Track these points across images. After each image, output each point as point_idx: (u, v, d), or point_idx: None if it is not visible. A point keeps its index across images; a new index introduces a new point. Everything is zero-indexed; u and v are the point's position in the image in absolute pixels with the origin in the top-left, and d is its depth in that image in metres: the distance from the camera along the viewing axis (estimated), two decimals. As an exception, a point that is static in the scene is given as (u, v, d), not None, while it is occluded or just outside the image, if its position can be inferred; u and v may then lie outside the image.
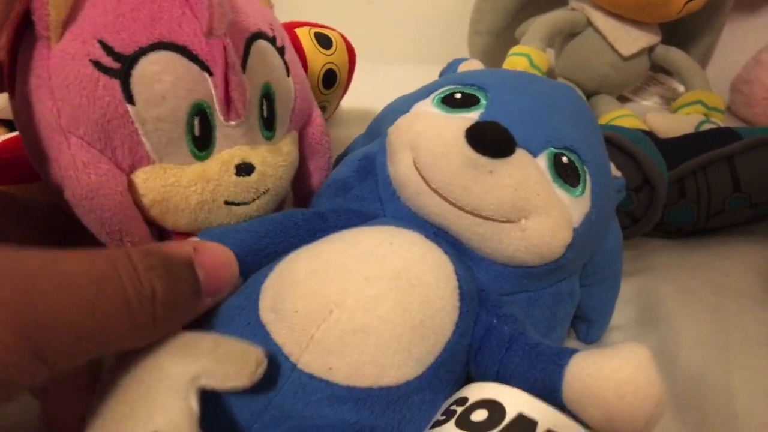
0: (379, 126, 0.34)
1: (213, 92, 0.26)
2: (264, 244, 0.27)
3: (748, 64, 0.73)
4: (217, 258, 0.23)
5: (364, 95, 0.61)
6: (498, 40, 0.81)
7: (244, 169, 0.28)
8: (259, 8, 0.30)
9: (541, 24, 0.69)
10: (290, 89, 0.31)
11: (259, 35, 0.28)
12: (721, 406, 0.31)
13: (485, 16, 0.80)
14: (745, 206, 0.44)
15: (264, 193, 0.30)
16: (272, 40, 0.30)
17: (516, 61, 0.65)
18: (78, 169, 0.24)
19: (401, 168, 0.28)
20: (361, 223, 0.28)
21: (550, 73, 0.73)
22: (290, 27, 0.44)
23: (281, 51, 0.30)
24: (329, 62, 0.45)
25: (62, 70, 0.24)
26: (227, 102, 0.27)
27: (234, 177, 0.28)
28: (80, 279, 0.17)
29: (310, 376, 0.22)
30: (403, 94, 0.36)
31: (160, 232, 0.29)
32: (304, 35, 0.43)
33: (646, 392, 0.20)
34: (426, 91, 0.32)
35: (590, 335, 0.36)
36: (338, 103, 0.53)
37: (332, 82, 0.46)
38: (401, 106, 0.32)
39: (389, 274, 0.24)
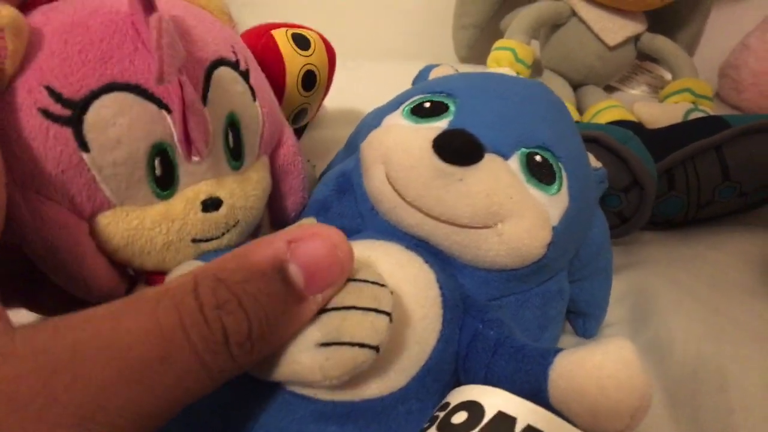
0: (356, 140, 0.34)
1: (173, 130, 0.25)
2: None
3: (736, 49, 0.73)
4: (319, 249, 0.19)
5: (349, 94, 0.60)
6: (483, 33, 0.81)
7: (212, 205, 0.27)
8: (220, 30, 0.29)
9: (525, 16, 0.69)
10: (257, 115, 0.30)
11: (219, 62, 0.27)
12: (716, 400, 0.31)
13: (469, 9, 0.80)
14: (734, 195, 0.44)
15: (234, 225, 0.29)
16: (235, 65, 0.28)
17: (501, 55, 0.64)
18: (37, 225, 0.23)
19: (375, 183, 0.28)
20: None
21: (535, 66, 0.73)
22: (266, 29, 0.43)
23: (245, 75, 0.29)
24: (308, 63, 0.44)
25: (9, 122, 0.22)
26: (187, 141, 0.25)
27: (201, 214, 0.27)
28: (140, 346, 0.15)
29: (293, 394, 0.22)
30: (383, 101, 0.35)
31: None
32: (281, 37, 0.42)
33: (628, 386, 0.20)
34: (396, 103, 0.32)
35: (587, 329, 0.36)
36: (320, 105, 0.52)
37: (312, 83, 0.45)
38: (373, 121, 0.33)
39: None
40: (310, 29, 0.47)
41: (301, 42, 0.44)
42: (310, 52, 0.44)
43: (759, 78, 0.69)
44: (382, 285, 0.20)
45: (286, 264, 0.18)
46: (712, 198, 0.44)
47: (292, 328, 0.19)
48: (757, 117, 0.44)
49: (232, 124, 0.28)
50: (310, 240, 0.19)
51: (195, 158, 0.26)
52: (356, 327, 0.19)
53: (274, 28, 0.43)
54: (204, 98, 0.26)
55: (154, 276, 0.28)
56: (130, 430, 0.15)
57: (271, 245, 0.18)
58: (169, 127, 0.25)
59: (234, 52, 0.28)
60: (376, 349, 0.19)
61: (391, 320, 0.20)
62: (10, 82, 0.22)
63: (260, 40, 0.41)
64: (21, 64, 0.22)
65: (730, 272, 0.42)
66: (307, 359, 0.19)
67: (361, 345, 0.19)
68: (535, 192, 0.27)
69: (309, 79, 0.44)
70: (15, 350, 0.14)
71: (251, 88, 0.29)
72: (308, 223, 0.24)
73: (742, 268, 0.43)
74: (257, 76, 0.31)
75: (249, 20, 0.44)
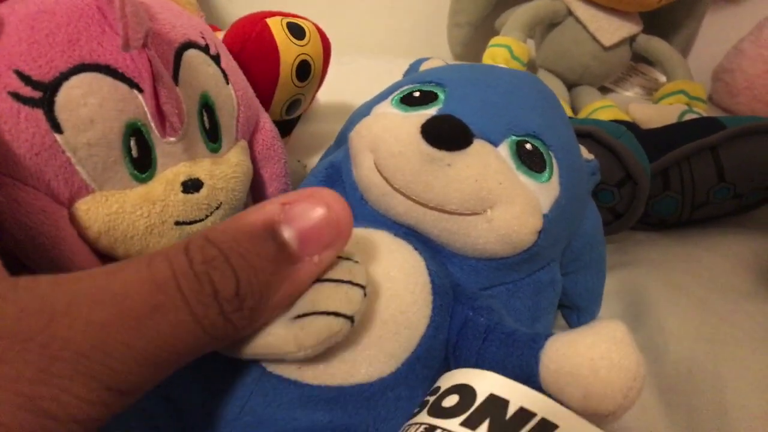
0: (346, 133, 0.34)
1: (146, 109, 0.25)
2: None
3: (730, 54, 0.73)
4: (313, 210, 0.19)
5: (343, 89, 0.60)
6: (477, 32, 0.81)
7: (192, 186, 0.27)
8: (188, 18, 0.29)
9: (521, 14, 0.69)
10: (231, 97, 0.30)
11: (189, 45, 0.28)
12: (711, 400, 0.31)
13: (464, 7, 0.79)
14: (729, 197, 0.44)
15: (217, 207, 0.29)
16: (205, 49, 0.29)
17: (496, 52, 0.64)
18: (13, 210, 0.23)
19: (364, 171, 0.28)
20: None
21: (531, 64, 0.73)
22: (261, 17, 0.42)
23: (216, 59, 0.29)
24: (303, 53, 0.43)
25: None
26: (161, 117, 0.25)
27: (181, 195, 0.27)
28: (134, 295, 0.15)
29: (280, 378, 0.21)
30: (376, 93, 0.35)
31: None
32: (276, 25, 0.42)
33: (621, 366, 0.20)
34: (386, 93, 0.33)
35: (581, 323, 0.35)
36: (314, 96, 0.51)
37: (306, 74, 0.44)
38: (363, 111, 0.33)
39: None
40: (306, 19, 0.46)
41: (296, 31, 0.43)
42: (305, 41, 0.43)
43: (752, 82, 0.70)
44: (356, 262, 0.21)
45: (278, 225, 0.18)
46: (706, 199, 0.44)
47: (288, 289, 0.19)
48: (753, 119, 0.44)
49: (207, 106, 0.28)
50: (304, 201, 0.19)
51: (170, 138, 0.26)
52: (330, 297, 0.19)
53: (269, 17, 0.42)
54: (175, 78, 0.26)
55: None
56: (128, 376, 0.15)
57: (264, 208, 0.18)
58: (141, 106, 0.25)
59: (203, 38, 0.29)
60: (351, 319, 0.19)
61: (365, 294, 0.20)
62: None
63: (255, 28, 0.41)
64: None
65: (724, 273, 0.42)
66: (281, 330, 0.19)
67: (336, 314, 0.19)
68: (525, 179, 0.27)
69: (303, 69, 0.43)
70: (17, 295, 0.15)
71: (223, 72, 0.30)
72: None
73: (737, 269, 0.43)
74: (228, 62, 0.31)
75: (242, 12, 0.44)
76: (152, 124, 0.25)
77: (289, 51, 0.42)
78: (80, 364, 0.14)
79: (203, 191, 0.28)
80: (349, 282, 0.20)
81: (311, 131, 0.57)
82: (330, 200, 0.19)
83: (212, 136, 0.29)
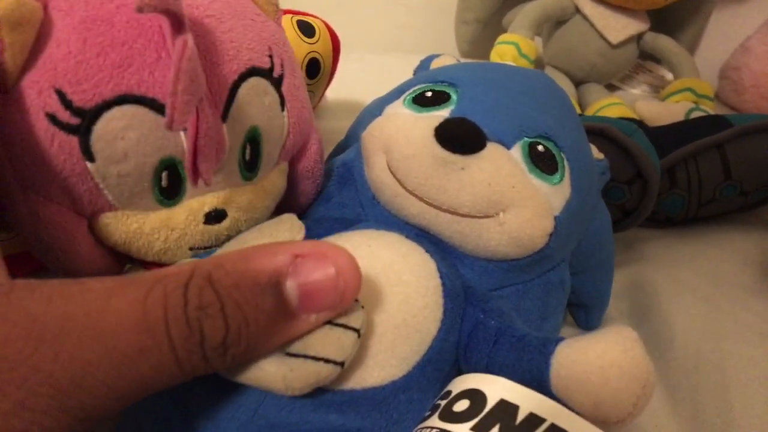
0: (356, 131, 0.34)
1: (185, 147, 0.23)
2: None
3: (737, 51, 0.73)
4: (322, 271, 0.18)
5: (351, 86, 0.60)
6: (485, 29, 0.81)
7: (215, 217, 0.26)
8: (259, 29, 0.26)
9: (529, 11, 0.69)
10: (282, 126, 0.28)
11: (250, 73, 0.25)
12: (716, 397, 0.31)
13: (472, 4, 0.79)
14: (735, 194, 0.44)
15: (235, 235, 0.27)
16: (268, 73, 0.26)
17: (504, 49, 0.64)
18: (35, 224, 0.23)
19: (376, 172, 0.28)
20: (343, 230, 0.28)
21: (538, 62, 0.73)
22: (271, 15, 0.42)
23: (278, 82, 0.27)
24: (313, 51, 0.43)
25: (14, 121, 0.21)
26: (194, 170, 0.23)
27: (202, 226, 0.26)
28: (123, 335, 0.15)
29: None
30: (384, 92, 0.35)
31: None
32: (286, 23, 0.42)
33: (631, 374, 0.20)
34: (398, 92, 0.32)
35: (590, 321, 0.35)
36: (323, 93, 0.52)
37: (316, 71, 0.44)
38: (374, 110, 0.32)
39: (368, 276, 0.23)
40: (316, 17, 0.46)
41: (306, 29, 0.43)
42: (314, 39, 0.44)
43: (759, 80, 0.69)
44: (355, 300, 0.20)
45: (284, 279, 0.18)
46: (713, 196, 0.44)
47: (276, 342, 0.18)
48: (760, 116, 0.44)
49: (253, 138, 0.26)
50: (316, 260, 0.18)
51: (201, 184, 0.25)
52: (322, 342, 0.19)
53: (279, 15, 0.43)
54: (225, 113, 0.24)
55: (151, 266, 0.27)
56: (99, 409, 0.15)
57: (275, 256, 0.18)
58: (181, 144, 0.23)
59: (270, 56, 0.26)
60: (341, 364, 0.19)
61: (359, 335, 0.20)
62: (21, 76, 0.21)
63: (265, 26, 0.41)
64: (34, 58, 0.21)
65: (730, 270, 0.42)
66: (271, 367, 0.19)
67: (326, 360, 0.19)
68: (537, 182, 0.27)
69: (313, 67, 0.44)
70: (8, 312, 0.14)
71: (281, 97, 0.27)
72: (289, 219, 0.24)
73: (742, 266, 0.43)
74: (292, 80, 0.28)
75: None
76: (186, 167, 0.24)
77: (298, 49, 0.42)
78: (56, 399, 0.14)
79: (225, 223, 0.26)
80: (344, 326, 0.19)
81: (320, 128, 0.57)
82: (342, 264, 0.18)
83: (250, 166, 0.27)
